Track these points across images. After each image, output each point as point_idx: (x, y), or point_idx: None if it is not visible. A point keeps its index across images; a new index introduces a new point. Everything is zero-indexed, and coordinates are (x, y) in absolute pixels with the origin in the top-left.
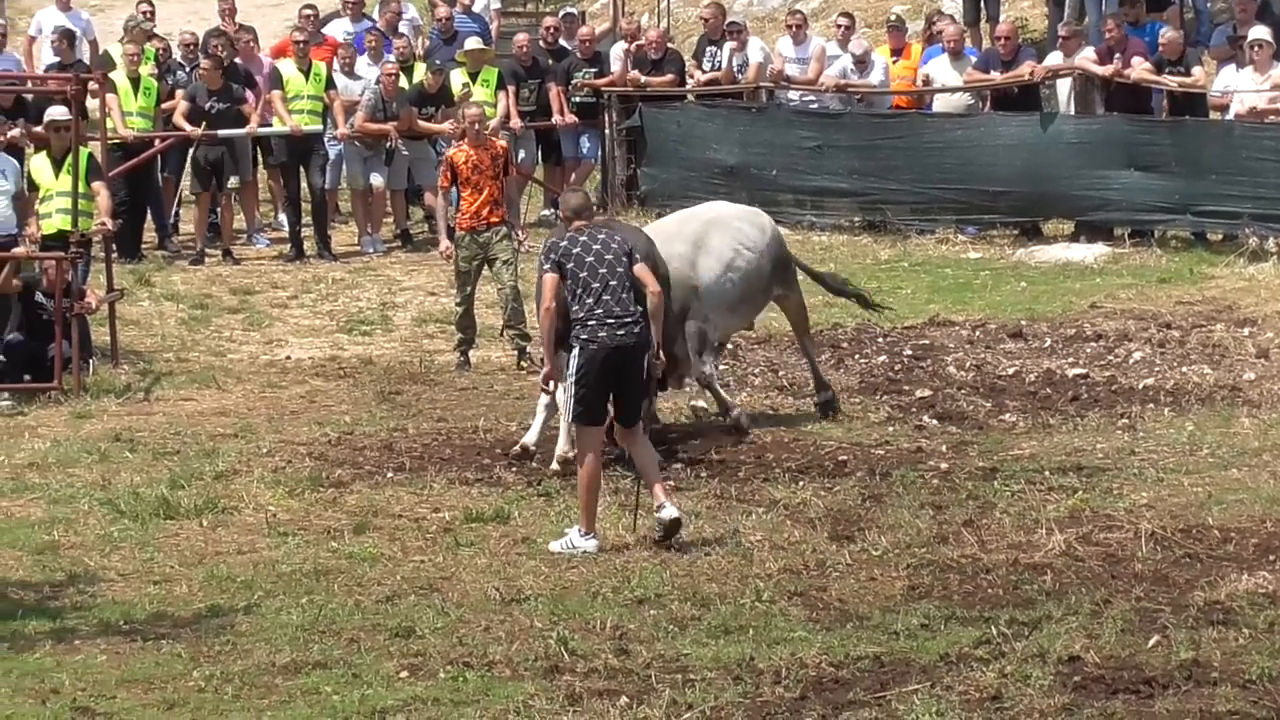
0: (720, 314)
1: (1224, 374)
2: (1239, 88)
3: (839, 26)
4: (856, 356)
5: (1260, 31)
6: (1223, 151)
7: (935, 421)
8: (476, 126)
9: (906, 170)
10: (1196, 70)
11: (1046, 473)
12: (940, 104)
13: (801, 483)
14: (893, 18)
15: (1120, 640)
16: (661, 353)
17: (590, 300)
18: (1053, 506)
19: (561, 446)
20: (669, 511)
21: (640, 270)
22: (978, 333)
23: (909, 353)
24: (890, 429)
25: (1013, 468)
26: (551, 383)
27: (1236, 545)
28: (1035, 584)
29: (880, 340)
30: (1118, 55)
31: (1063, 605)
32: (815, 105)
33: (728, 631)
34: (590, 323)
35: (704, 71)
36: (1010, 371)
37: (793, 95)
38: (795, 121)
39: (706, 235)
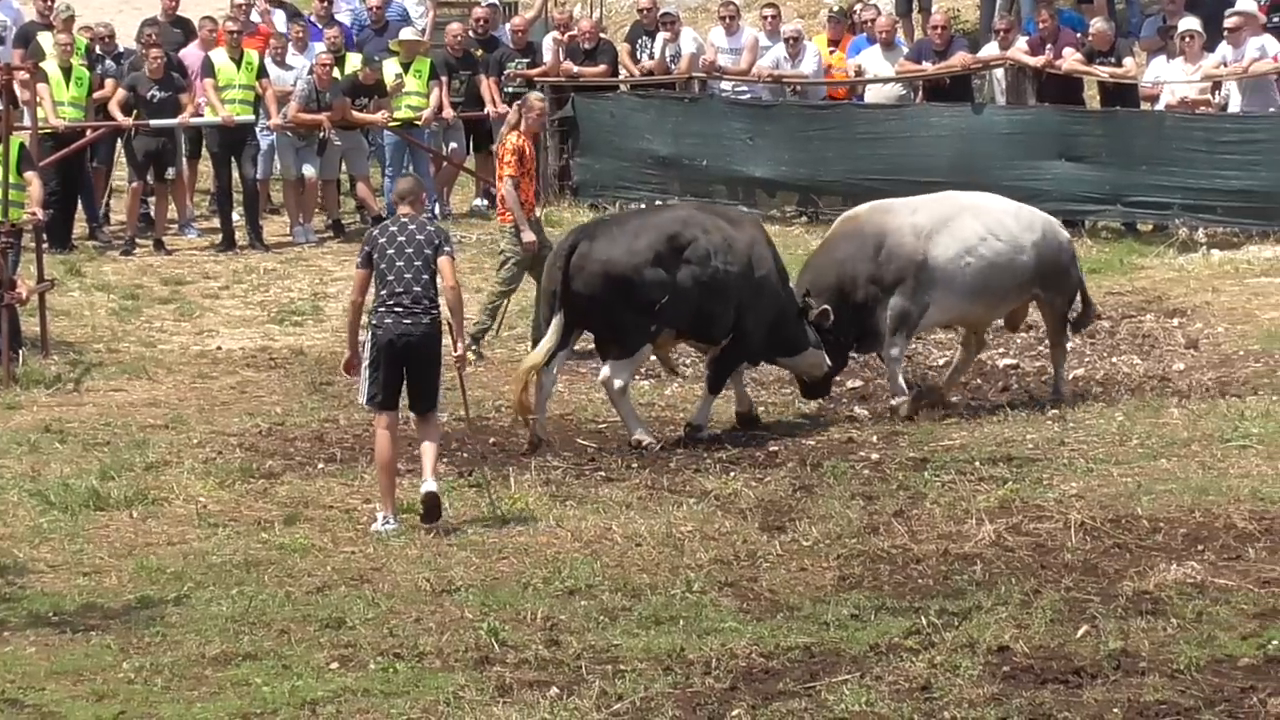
0: (951, 296)
1: (1153, 364)
2: (1169, 79)
3: (765, 17)
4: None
5: (1190, 22)
6: (1153, 142)
7: (866, 412)
8: (543, 119)
9: (839, 161)
10: (1128, 61)
11: (977, 463)
12: (872, 95)
13: (733, 473)
14: (834, 8)
15: (1049, 630)
16: (464, 345)
17: (384, 290)
18: (983, 497)
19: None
20: (428, 485)
21: (442, 263)
22: None
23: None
24: (822, 420)
25: (943, 458)
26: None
27: (1165, 535)
28: (965, 574)
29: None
30: (1049, 46)
31: (992, 595)
32: (748, 96)
33: (658, 622)
34: (380, 309)
35: (637, 62)
36: (942, 362)
37: (725, 86)
38: (728, 112)
39: (957, 217)
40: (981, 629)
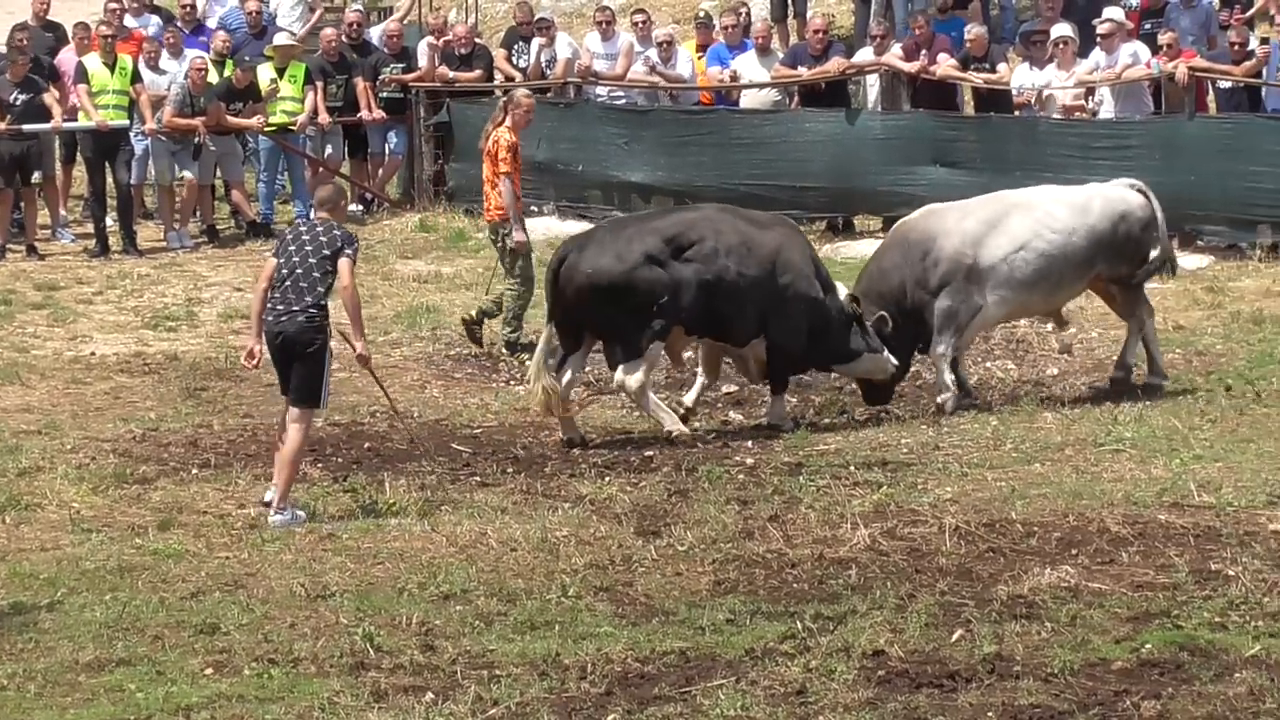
0: (1012, 289)
1: (1027, 370)
2: (1044, 84)
3: (636, 23)
4: (664, 352)
5: (1063, 28)
6: (1028, 148)
7: (741, 417)
8: (531, 115)
9: (714, 166)
10: (1002, 67)
11: (852, 467)
12: (748, 100)
13: (608, 478)
14: (701, 14)
15: (924, 634)
16: (360, 346)
17: (277, 290)
18: (858, 501)
19: None
20: (270, 493)
21: (341, 264)
22: None
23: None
24: (696, 424)
25: (818, 462)
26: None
27: (1039, 539)
28: (840, 578)
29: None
30: (924, 52)
31: (867, 600)
32: (623, 101)
33: (534, 627)
34: (268, 306)
35: (516, 67)
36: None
37: (601, 91)
38: (603, 117)
39: (1006, 217)
40: (857, 633)
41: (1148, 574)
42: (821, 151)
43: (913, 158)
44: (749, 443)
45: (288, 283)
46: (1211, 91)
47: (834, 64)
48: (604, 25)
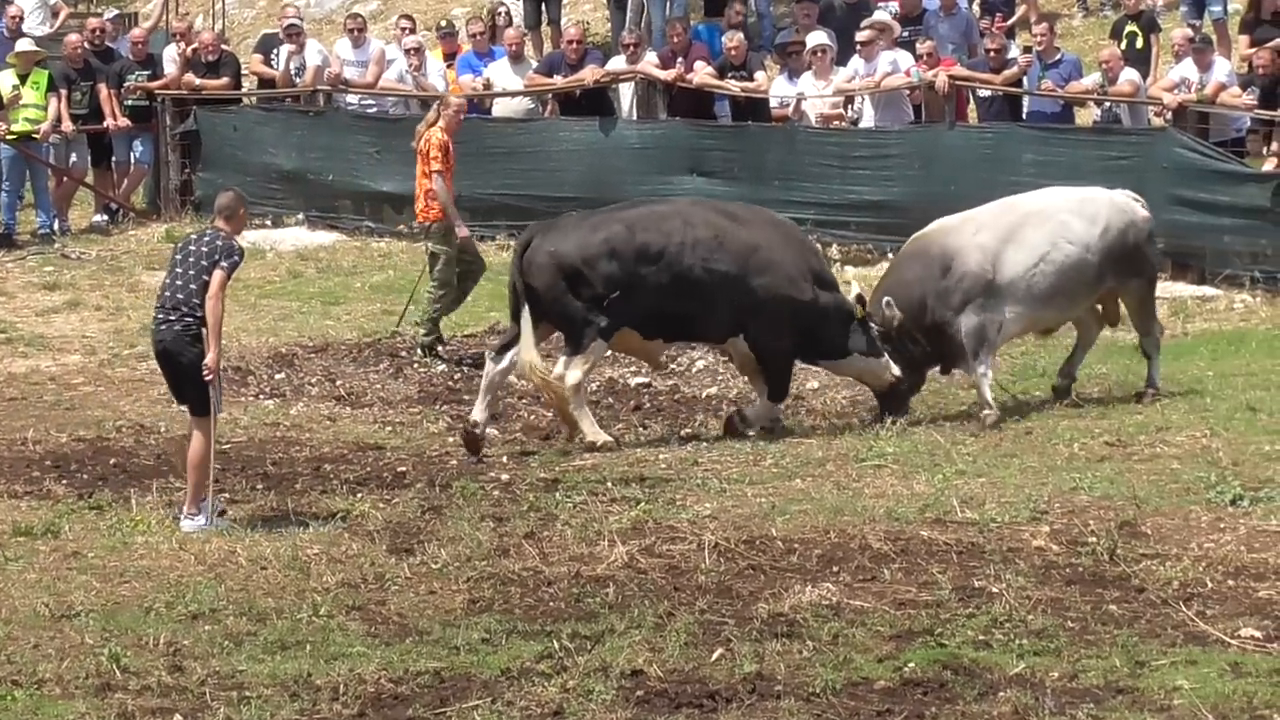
0: (1028, 305)
1: None
2: (802, 93)
3: (401, 29)
4: (416, 365)
5: (819, 37)
6: (786, 157)
7: (496, 432)
8: (460, 117)
9: (468, 175)
10: (760, 75)
11: (609, 483)
12: (501, 108)
13: (360, 494)
14: (443, 23)
15: (683, 653)
16: (214, 355)
17: (160, 300)
18: (615, 518)
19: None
20: (184, 524)
21: (214, 275)
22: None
23: (469, 362)
24: (451, 439)
25: (575, 479)
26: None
27: (800, 556)
28: (598, 597)
29: (440, 349)
30: (681, 59)
31: (625, 618)
32: (374, 109)
33: (285, 647)
34: (154, 316)
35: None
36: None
37: (352, 99)
38: (354, 126)
39: (1022, 228)
40: (615, 653)
41: (910, 591)
42: (577, 161)
43: (669, 167)
44: (504, 458)
45: (167, 293)
46: (972, 100)
47: (589, 72)
48: (355, 32)
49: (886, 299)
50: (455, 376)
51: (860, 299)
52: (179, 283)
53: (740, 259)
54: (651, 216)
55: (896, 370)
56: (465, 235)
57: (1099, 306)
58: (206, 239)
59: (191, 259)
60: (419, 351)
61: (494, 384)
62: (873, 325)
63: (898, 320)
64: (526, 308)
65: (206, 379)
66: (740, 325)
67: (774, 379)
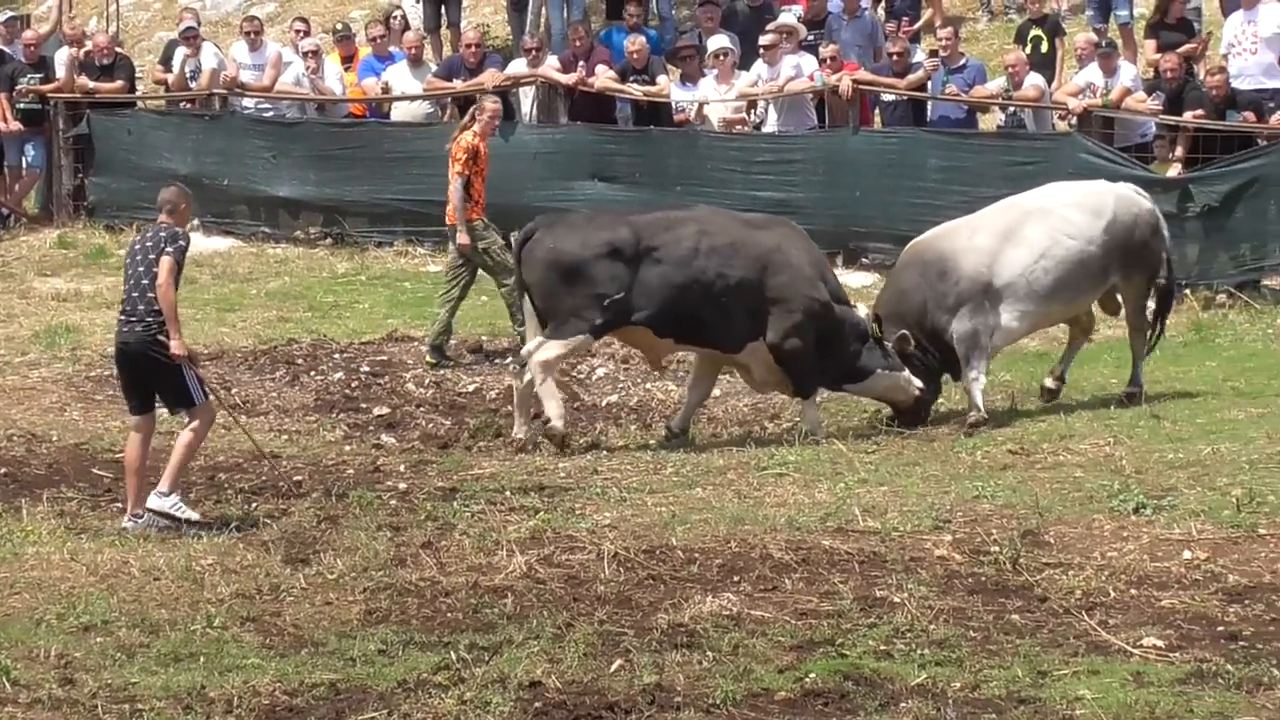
0: (1032, 303)
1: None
2: (705, 97)
3: (297, 32)
4: (312, 373)
5: (720, 40)
6: (689, 162)
7: (394, 440)
8: (496, 122)
9: (365, 180)
10: (661, 79)
11: (507, 493)
12: (399, 113)
13: (255, 504)
14: (339, 27)
15: (582, 664)
16: (175, 345)
17: (122, 301)
18: (514, 527)
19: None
20: (154, 501)
21: (161, 261)
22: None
23: (366, 369)
24: (348, 448)
25: (473, 487)
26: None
27: (700, 566)
28: (496, 607)
29: (337, 356)
30: (582, 63)
31: (524, 629)
32: (271, 113)
33: (178, 659)
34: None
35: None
36: (471, 388)
37: (248, 103)
38: (251, 130)
39: (1021, 226)
40: (513, 664)
41: (811, 601)
42: None
43: (570, 172)
44: (401, 466)
45: (123, 297)
46: (877, 105)
47: (489, 76)
48: (251, 35)
49: (903, 333)
50: (352, 384)
51: (876, 317)
52: (130, 284)
53: (757, 262)
54: (665, 220)
55: (919, 384)
56: (465, 244)
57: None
58: (150, 234)
59: (139, 257)
60: (429, 356)
61: (525, 397)
62: (888, 343)
63: (898, 336)
64: (528, 301)
65: (187, 364)
66: (758, 331)
67: (799, 377)
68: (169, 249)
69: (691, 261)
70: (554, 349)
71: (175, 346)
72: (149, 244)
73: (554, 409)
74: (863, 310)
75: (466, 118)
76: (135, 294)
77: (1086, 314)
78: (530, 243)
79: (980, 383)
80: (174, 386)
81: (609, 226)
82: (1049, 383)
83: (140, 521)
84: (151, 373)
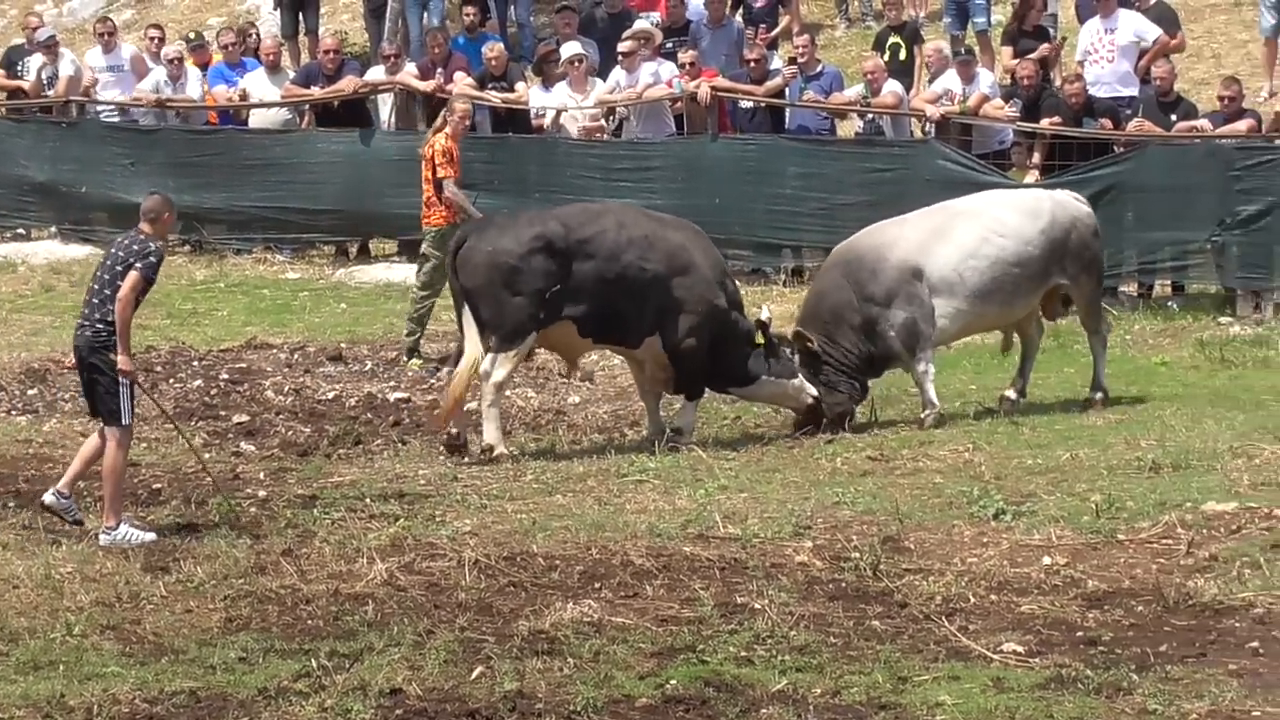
0: (965, 301)
1: (549, 398)
2: (561, 104)
3: (151, 39)
4: (171, 381)
5: (574, 47)
6: (547, 169)
7: (253, 448)
8: (466, 123)
9: (223, 187)
10: (520, 86)
11: (368, 500)
12: (257, 119)
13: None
14: (192, 36)
15: (443, 671)
16: (124, 359)
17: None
18: (374, 535)
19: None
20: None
21: (128, 276)
22: (297, 356)
23: (225, 377)
24: (207, 455)
25: (333, 495)
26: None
27: (561, 573)
28: (357, 614)
29: (195, 364)
30: (440, 70)
31: (385, 636)
32: (128, 120)
33: (37, 668)
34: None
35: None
36: (330, 396)
37: (106, 110)
38: (108, 137)
39: (950, 225)
40: (374, 671)
41: (672, 608)
42: (335, 173)
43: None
44: (261, 474)
45: (86, 297)
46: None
47: (347, 82)
48: (105, 37)
49: (758, 320)
50: (211, 392)
51: (761, 324)
52: (96, 288)
53: (668, 259)
54: (586, 213)
55: (813, 391)
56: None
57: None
58: (126, 241)
59: (108, 264)
60: (404, 356)
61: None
62: (784, 349)
63: (810, 341)
64: (467, 310)
65: (129, 379)
66: (658, 325)
67: (690, 379)
68: (138, 264)
69: (619, 255)
70: (505, 366)
71: (122, 362)
72: (120, 253)
73: (494, 434)
74: (764, 313)
75: (439, 120)
76: (96, 300)
77: (1034, 321)
78: (464, 250)
79: (930, 374)
80: (107, 397)
81: (538, 222)
82: (1010, 394)
83: (112, 535)
84: (89, 375)
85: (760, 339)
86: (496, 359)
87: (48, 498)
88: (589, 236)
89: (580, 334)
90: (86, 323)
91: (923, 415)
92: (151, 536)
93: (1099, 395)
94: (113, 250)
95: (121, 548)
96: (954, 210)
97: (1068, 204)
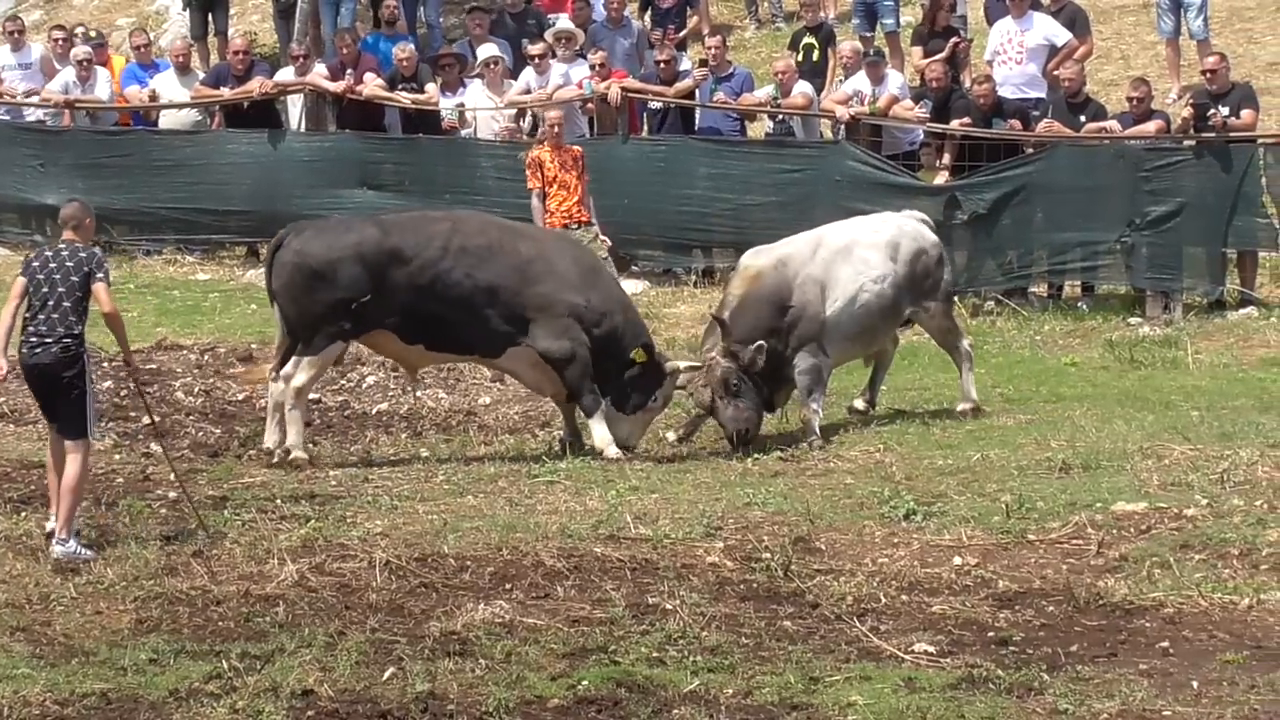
0: (838, 344)
1: (459, 398)
2: (474, 105)
3: (55, 40)
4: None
5: (491, 49)
6: (458, 170)
7: (160, 449)
8: (556, 129)
9: (134, 189)
10: (430, 87)
11: (279, 501)
12: (167, 120)
13: (24, 513)
14: (94, 34)
15: (355, 673)
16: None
17: (31, 319)
18: (285, 536)
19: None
20: (51, 522)
21: (96, 289)
22: (207, 357)
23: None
24: (117, 457)
25: (244, 496)
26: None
27: (473, 574)
28: (267, 616)
29: (105, 365)
30: (350, 71)
31: (296, 637)
32: (37, 120)
33: None
34: (22, 336)
35: None
36: (241, 397)
37: (13, 110)
38: (17, 138)
39: (833, 268)
40: (285, 672)
41: (584, 608)
42: (244, 174)
43: (339, 180)
44: (171, 475)
45: (40, 314)
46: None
47: (256, 83)
48: (15, 35)
49: (759, 344)
50: (121, 393)
51: (646, 347)
52: (50, 303)
53: (515, 270)
54: (417, 220)
55: (639, 436)
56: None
57: None
58: (65, 254)
59: (58, 276)
60: None
61: (280, 405)
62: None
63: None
64: (276, 310)
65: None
66: (517, 335)
67: (575, 385)
68: (100, 274)
69: (439, 262)
70: (307, 372)
71: (133, 364)
72: (68, 265)
73: (296, 437)
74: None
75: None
76: (55, 315)
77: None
78: (279, 251)
79: (819, 416)
80: (74, 412)
81: (357, 229)
82: (859, 404)
83: (65, 549)
84: (57, 393)
85: (641, 357)
86: (300, 363)
87: (55, 551)
88: (405, 245)
89: (407, 343)
90: (49, 339)
91: (809, 440)
92: (91, 555)
93: (969, 405)
94: (51, 265)
95: (73, 561)
96: (834, 248)
97: (917, 233)
